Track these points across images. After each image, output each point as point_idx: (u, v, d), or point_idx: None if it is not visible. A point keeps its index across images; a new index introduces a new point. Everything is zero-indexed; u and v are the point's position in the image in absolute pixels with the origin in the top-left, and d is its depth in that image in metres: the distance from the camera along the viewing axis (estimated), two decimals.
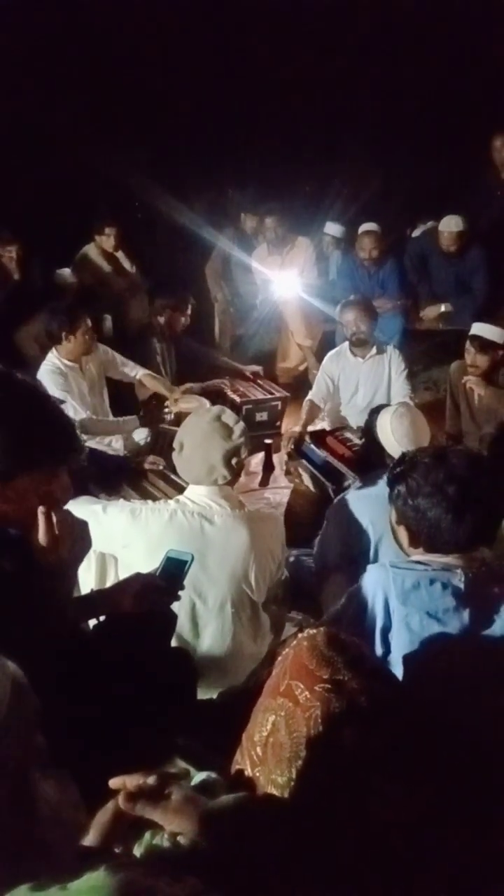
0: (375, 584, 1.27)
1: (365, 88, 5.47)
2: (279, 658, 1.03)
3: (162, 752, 1.12)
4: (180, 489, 2.17)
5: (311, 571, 2.27)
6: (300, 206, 5.04)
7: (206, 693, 1.84)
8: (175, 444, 2.00)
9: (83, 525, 1.26)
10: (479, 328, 3.26)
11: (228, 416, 1.97)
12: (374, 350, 3.40)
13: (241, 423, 1.97)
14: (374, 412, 2.16)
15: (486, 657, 1.15)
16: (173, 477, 3.02)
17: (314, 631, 1.01)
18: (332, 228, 4.88)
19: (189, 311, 3.85)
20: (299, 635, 1.02)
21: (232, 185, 5.36)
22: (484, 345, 3.19)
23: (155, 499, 2.58)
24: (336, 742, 0.86)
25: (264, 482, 3.26)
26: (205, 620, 1.86)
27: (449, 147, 5.12)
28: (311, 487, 2.98)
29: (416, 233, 5.00)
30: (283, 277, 4.46)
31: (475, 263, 4.30)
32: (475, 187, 4.71)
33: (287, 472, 3.26)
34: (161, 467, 3.09)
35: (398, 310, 4.35)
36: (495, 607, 1.20)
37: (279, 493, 3.17)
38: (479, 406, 3.24)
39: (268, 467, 3.30)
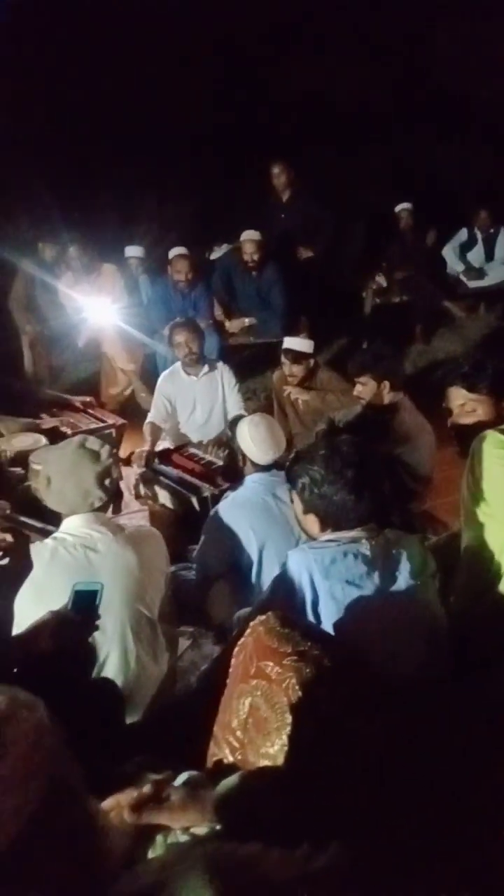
0: (299, 565, 1.43)
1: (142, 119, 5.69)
2: (236, 650, 1.13)
3: (131, 772, 1.14)
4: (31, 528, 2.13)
5: (192, 584, 2.36)
6: (104, 234, 5.09)
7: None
8: (40, 483, 1.98)
9: None
10: (289, 342, 3.61)
11: (93, 442, 2.00)
12: (206, 367, 3.57)
13: (107, 446, 2.02)
14: (233, 423, 2.32)
15: (396, 607, 1.37)
16: (23, 518, 2.89)
17: (264, 617, 1.13)
18: (133, 250, 5.01)
19: None
20: (251, 624, 1.13)
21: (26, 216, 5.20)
22: (296, 356, 3.55)
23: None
24: (314, 701, 0.99)
25: (116, 510, 3.23)
26: (106, 649, 1.85)
27: (234, 178, 5.56)
28: (169, 504, 3.04)
29: (213, 255, 5.36)
30: (95, 304, 4.46)
31: (272, 278, 4.73)
32: (261, 211, 5.18)
33: (137, 496, 3.28)
34: (8, 512, 2.93)
35: (212, 328, 4.60)
36: (395, 566, 1.43)
37: (133, 517, 3.17)
38: (305, 410, 3.59)
39: (116, 494, 3.28)
